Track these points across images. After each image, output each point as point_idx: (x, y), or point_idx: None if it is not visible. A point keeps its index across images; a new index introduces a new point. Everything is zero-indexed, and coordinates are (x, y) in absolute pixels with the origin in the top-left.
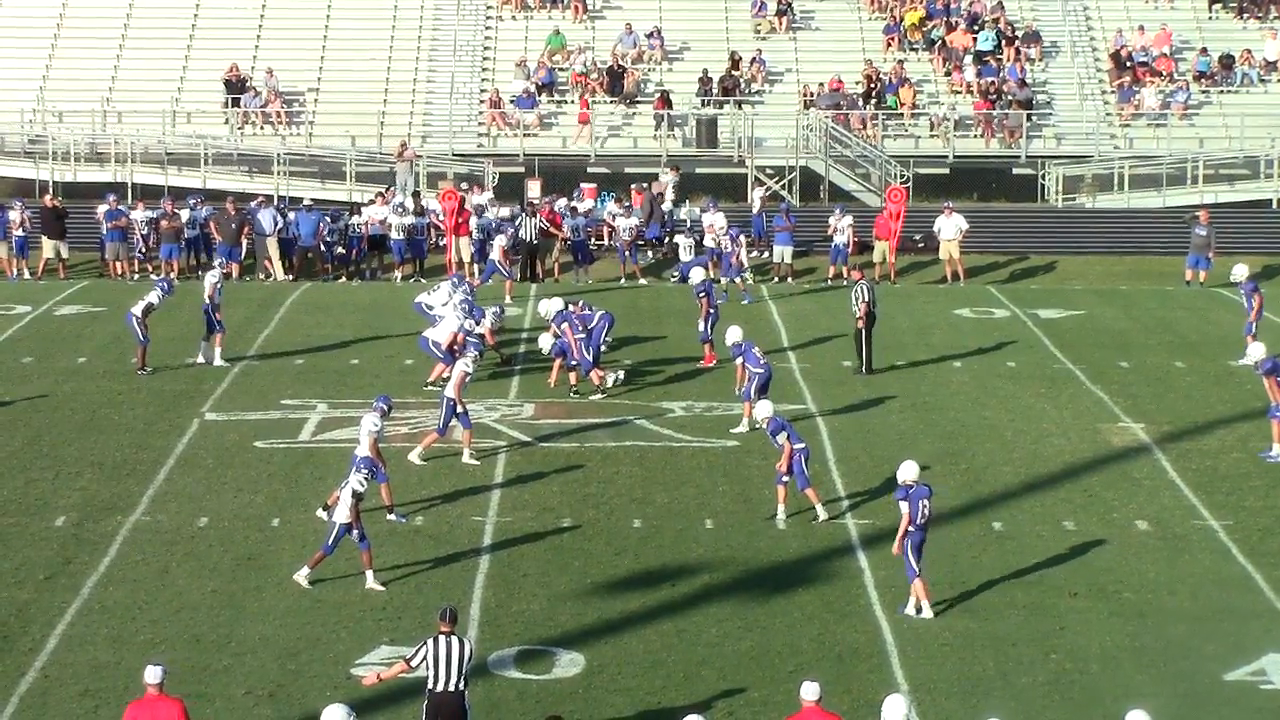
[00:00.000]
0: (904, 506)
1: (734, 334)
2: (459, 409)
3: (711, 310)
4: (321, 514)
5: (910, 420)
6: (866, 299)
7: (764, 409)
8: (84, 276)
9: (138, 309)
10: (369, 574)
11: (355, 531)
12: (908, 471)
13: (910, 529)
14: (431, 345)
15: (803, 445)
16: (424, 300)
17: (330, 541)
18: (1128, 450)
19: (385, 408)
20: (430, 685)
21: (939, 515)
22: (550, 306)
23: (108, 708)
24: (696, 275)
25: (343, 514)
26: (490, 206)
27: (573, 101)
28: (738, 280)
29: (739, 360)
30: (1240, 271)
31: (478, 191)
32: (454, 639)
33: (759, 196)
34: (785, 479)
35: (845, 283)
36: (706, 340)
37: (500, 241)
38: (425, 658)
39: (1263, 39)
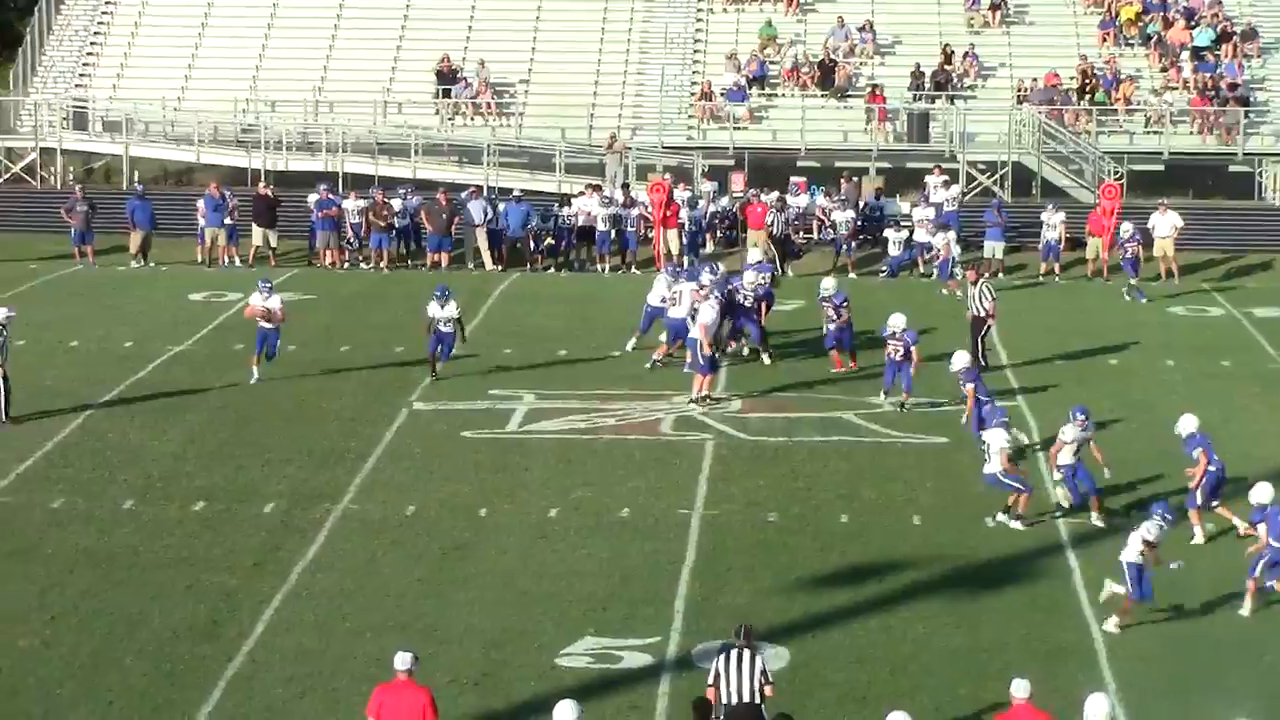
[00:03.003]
0: (1261, 529)
1: (960, 360)
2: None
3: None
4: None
5: (1122, 419)
6: (992, 298)
7: (1189, 423)
8: (295, 264)
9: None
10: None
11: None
12: (1262, 493)
13: (1273, 544)
14: (698, 350)
15: (1217, 465)
16: (651, 301)
17: (1138, 587)
18: None
19: (1006, 421)
20: (724, 699)
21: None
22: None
23: (314, 694)
24: (828, 286)
25: (1131, 554)
26: (700, 198)
27: (784, 95)
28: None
29: (969, 386)
30: None
31: (682, 188)
32: (745, 652)
33: (954, 193)
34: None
35: (1055, 279)
36: (832, 347)
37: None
38: (715, 670)
39: None
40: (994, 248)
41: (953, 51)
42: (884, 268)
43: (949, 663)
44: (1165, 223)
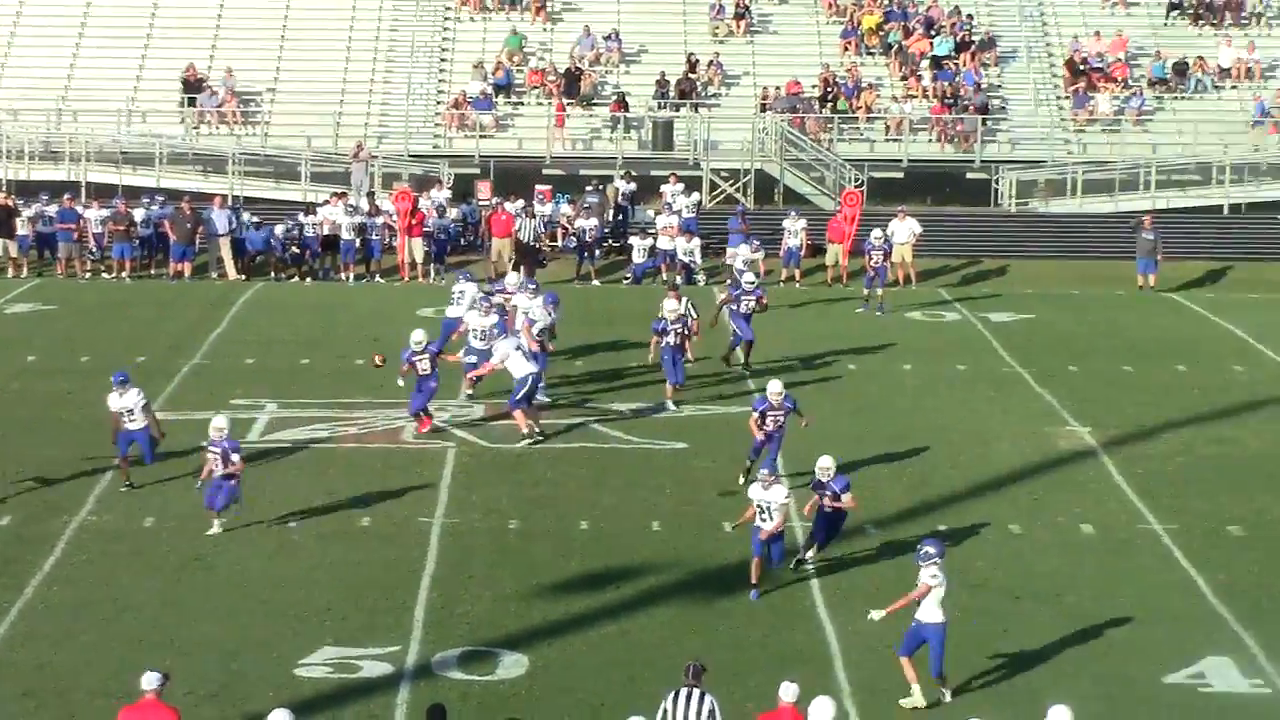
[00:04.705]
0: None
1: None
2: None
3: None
4: None
5: (859, 422)
6: (695, 315)
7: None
8: (36, 274)
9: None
10: None
11: None
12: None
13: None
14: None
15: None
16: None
17: None
18: (1074, 454)
19: None
20: None
21: (885, 518)
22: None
23: (47, 710)
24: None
25: None
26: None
27: (530, 103)
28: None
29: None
30: None
31: (437, 188)
32: (695, 691)
33: (693, 200)
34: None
35: (796, 285)
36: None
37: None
38: (664, 709)
39: (1217, 46)
40: (735, 254)
41: (697, 60)
42: (629, 275)
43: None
44: (904, 229)
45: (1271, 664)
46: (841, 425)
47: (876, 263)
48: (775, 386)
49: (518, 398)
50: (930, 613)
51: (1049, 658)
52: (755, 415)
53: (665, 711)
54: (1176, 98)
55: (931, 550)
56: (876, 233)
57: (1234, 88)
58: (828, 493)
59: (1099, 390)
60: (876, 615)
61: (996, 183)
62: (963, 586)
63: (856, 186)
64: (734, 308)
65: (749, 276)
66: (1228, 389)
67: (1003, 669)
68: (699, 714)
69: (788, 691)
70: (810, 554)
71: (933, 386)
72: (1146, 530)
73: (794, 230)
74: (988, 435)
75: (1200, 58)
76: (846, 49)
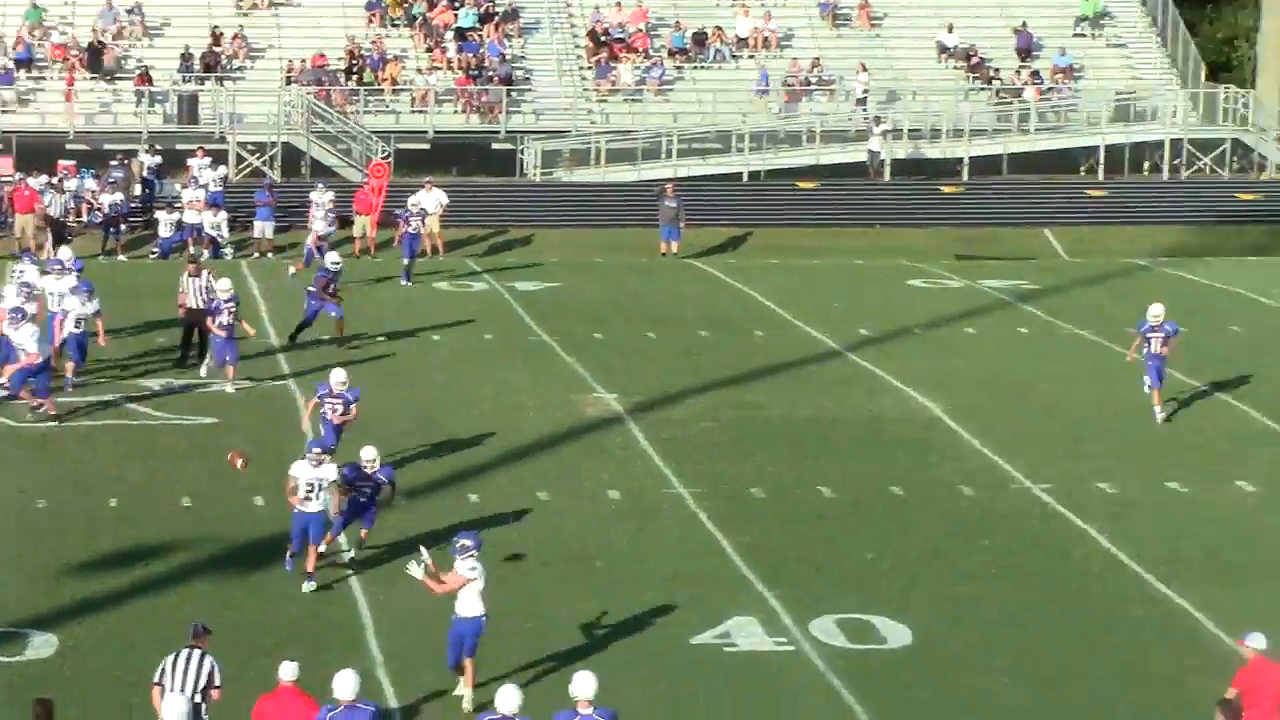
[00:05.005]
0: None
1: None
2: None
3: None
4: None
5: (387, 394)
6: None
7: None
8: None
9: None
10: None
11: None
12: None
13: None
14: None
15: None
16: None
17: None
18: (601, 420)
19: None
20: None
21: (416, 489)
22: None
23: None
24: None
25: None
26: None
27: (52, 78)
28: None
29: None
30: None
31: None
32: (195, 652)
33: (220, 174)
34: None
35: None
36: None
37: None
38: (162, 668)
39: (734, 16)
40: (263, 227)
41: (221, 33)
42: (155, 249)
43: (217, 643)
44: (431, 200)
45: (794, 622)
46: (372, 396)
47: (415, 229)
48: (339, 375)
49: (26, 379)
50: (469, 607)
51: (579, 624)
52: (314, 399)
53: (163, 671)
54: (696, 67)
55: (469, 543)
56: (413, 199)
57: (751, 57)
58: (368, 485)
59: (624, 357)
60: (412, 570)
61: (521, 153)
62: (494, 556)
63: (384, 158)
64: (327, 291)
65: (333, 256)
66: (749, 354)
67: (533, 637)
68: (198, 674)
69: (287, 670)
70: (352, 552)
71: (462, 356)
72: (672, 495)
73: (321, 202)
74: (516, 404)
75: (719, 28)
76: (371, 21)
